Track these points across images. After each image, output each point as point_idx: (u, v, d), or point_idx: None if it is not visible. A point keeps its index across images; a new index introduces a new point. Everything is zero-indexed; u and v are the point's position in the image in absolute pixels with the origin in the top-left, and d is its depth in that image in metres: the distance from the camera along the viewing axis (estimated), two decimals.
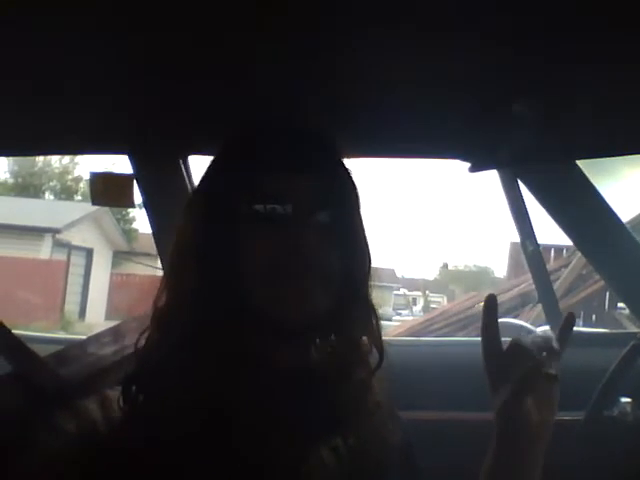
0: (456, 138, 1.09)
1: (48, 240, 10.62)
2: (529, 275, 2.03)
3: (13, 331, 0.85)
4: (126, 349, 0.88)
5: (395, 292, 14.90)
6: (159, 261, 1.50)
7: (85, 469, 0.66)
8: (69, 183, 14.69)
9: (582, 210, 1.56)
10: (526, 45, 0.69)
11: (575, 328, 0.85)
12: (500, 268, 18.85)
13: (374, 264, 0.79)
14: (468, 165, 1.23)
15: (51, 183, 14.78)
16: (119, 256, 12.11)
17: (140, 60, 0.76)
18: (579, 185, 1.52)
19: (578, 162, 1.50)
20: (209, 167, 0.80)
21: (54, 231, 10.54)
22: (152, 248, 1.47)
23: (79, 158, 14.05)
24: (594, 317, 4.97)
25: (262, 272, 0.72)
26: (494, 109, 0.90)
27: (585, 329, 2.49)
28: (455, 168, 1.22)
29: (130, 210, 11.80)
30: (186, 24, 0.65)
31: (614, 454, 1.38)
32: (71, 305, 10.50)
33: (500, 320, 0.83)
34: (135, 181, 1.35)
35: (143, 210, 1.49)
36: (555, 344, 0.80)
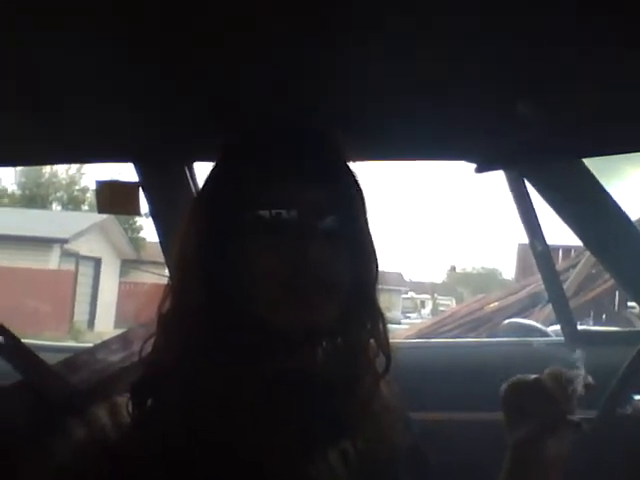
0: (462, 139, 1.09)
1: (56, 250, 10.67)
2: (538, 276, 2.02)
3: (23, 340, 0.85)
4: (134, 356, 0.88)
5: (403, 296, 14.86)
6: (167, 269, 1.49)
7: (95, 476, 0.66)
8: (76, 193, 14.74)
9: (590, 208, 1.56)
10: (528, 44, 0.69)
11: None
12: (508, 270, 18.79)
13: (381, 268, 0.77)
14: (474, 166, 1.23)
15: (58, 194, 14.83)
16: (127, 265, 12.13)
17: (144, 69, 0.76)
18: (586, 183, 1.52)
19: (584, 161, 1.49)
20: (211, 172, 0.78)
21: (62, 241, 10.58)
22: (159, 256, 1.47)
23: (86, 169, 14.14)
24: (604, 316, 4.94)
25: (268, 281, 0.70)
26: (498, 109, 0.89)
27: (597, 328, 2.48)
28: (461, 169, 1.22)
29: (137, 219, 11.87)
30: (189, 26, 0.65)
31: (628, 452, 1.37)
32: (80, 314, 10.53)
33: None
34: (141, 189, 1.36)
35: (150, 218, 1.49)
36: (581, 388, 0.81)
